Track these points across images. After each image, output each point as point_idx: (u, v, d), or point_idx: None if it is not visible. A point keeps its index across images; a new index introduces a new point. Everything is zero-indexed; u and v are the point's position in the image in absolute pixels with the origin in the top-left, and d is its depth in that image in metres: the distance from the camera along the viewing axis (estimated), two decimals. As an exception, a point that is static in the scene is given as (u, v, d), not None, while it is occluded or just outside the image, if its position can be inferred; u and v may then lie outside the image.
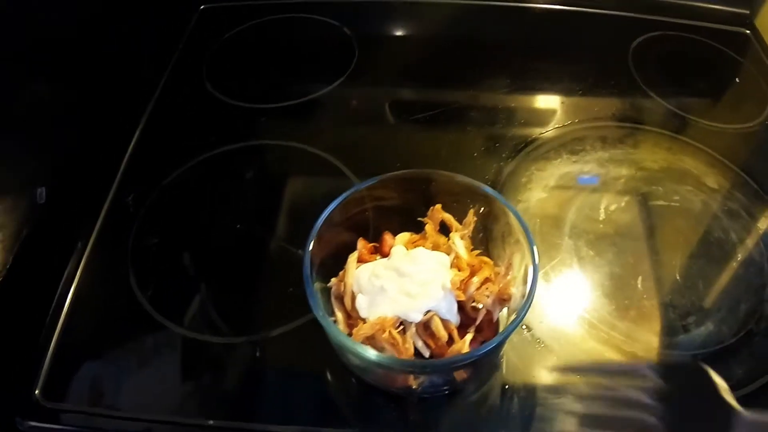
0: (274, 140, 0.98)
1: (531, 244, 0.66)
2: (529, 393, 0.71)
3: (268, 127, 1.00)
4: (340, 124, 1.01)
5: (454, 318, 0.67)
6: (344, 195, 0.70)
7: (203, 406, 0.70)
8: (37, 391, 0.71)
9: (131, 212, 0.88)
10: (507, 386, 0.71)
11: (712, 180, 0.92)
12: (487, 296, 0.68)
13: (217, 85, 1.07)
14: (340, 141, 0.96)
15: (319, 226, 0.68)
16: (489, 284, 0.69)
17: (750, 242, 0.85)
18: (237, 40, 1.17)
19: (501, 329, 0.69)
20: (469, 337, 0.66)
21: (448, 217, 0.74)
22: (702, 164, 0.93)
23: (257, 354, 0.74)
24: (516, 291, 0.68)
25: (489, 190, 0.72)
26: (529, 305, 0.62)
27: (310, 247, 0.66)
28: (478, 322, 0.68)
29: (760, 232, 0.86)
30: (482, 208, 0.73)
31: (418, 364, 0.64)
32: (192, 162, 0.94)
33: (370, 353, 0.59)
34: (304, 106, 1.03)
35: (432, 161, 0.94)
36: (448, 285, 0.66)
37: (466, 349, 0.64)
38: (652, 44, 1.14)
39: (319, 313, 0.61)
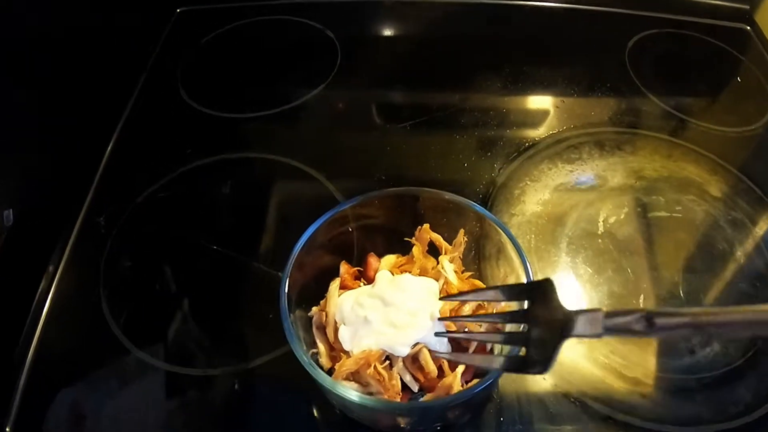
0: (253, 153, 0.93)
1: (526, 269, 0.61)
2: (526, 425, 0.66)
3: (246, 139, 0.96)
4: (324, 133, 0.96)
5: (444, 348, 0.62)
6: (325, 216, 0.66)
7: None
8: (8, 428, 0.67)
9: (103, 233, 0.83)
10: (502, 419, 0.67)
11: (714, 188, 0.87)
12: (480, 325, 0.63)
13: (192, 94, 1.02)
14: (324, 152, 0.92)
15: (297, 251, 0.63)
16: (482, 312, 0.64)
17: (755, 255, 0.81)
18: (214, 45, 1.12)
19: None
20: (460, 369, 0.61)
21: (437, 238, 0.70)
22: (704, 171, 0.89)
23: (235, 387, 0.69)
24: None
25: (479, 208, 0.67)
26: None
27: (288, 277, 0.61)
28: (470, 352, 0.63)
29: (766, 242, 0.82)
30: (476, 226, 0.68)
31: (405, 407, 0.59)
32: (166, 178, 0.89)
33: (353, 395, 0.55)
34: (285, 115, 0.98)
35: (420, 172, 0.89)
36: (437, 315, 0.62)
37: (457, 384, 0.60)
38: (650, 43, 1.10)
39: (298, 350, 0.57)
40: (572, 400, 0.68)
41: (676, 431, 0.66)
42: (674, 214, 0.84)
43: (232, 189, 0.89)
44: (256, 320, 0.74)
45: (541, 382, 0.69)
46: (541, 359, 0.51)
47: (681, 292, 0.77)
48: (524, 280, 0.61)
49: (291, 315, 0.59)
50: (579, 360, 0.71)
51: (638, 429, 0.66)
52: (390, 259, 0.71)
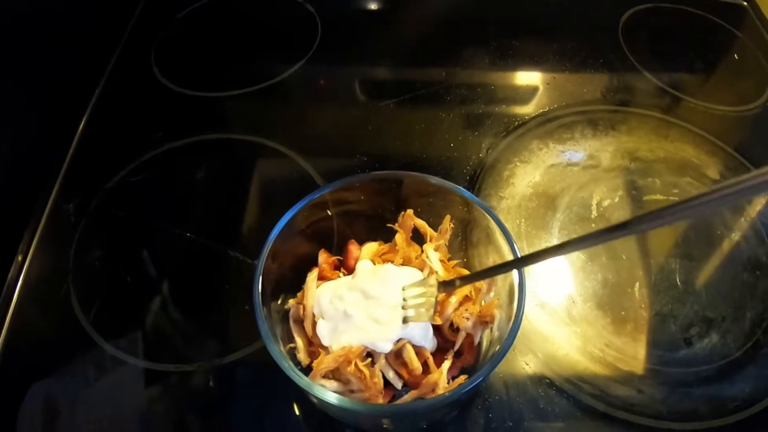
0: (229, 134, 0.88)
1: (515, 255, 0.57)
2: (516, 422, 0.63)
3: (223, 119, 0.91)
4: (303, 112, 0.92)
5: (429, 344, 0.59)
6: (302, 202, 0.61)
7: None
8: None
9: (72, 221, 0.79)
10: (491, 415, 0.63)
11: (713, 170, 0.84)
12: (467, 318, 0.60)
13: (166, 73, 0.97)
14: (303, 132, 0.88)
15: (272, 240, 0.59)
16: (468, 304, 0.61)
17: (756, 242, 0.78)
18: (189, 21, 1.06)
19: (483, 349, 0.62)
20: (446, 365, 0.58)
21: (421, 224, 0.66)
22: (702, 152, 0.85)
23: (210, 383, 0.66)
24: (500, 312, 0.60)
25: (466, 193, 0.63)
26: (517, 330, 0.54)
27: (262, 269, 0.57)
28: (457, 347, 0.60)
29: (767, 228, 0.79)
30: (463, 211, 0.64)
31: (387, 409, 0.56)
32: (138, 162, 0.85)
33: (331, 397, 0.51)
34: (262, 93, 0.94)
35: (404, 152, 0.85)
36: None
37: (443, 381, 0.56)
38: (644, 17, 1.06)
39: (274, 350, 0.53)
40: (565, 395, 0.64)
41: (673, 428, 0.63)
42: (671, 198, 0.81)
43: (207, 173, 0.85)
44: (232, 312, 0.71)
45: (531, 376, 0.66)
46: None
47: (678, 279, 0.74)
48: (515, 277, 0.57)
49: (265, 309, 0.55)
50: (572, 353, 0.67)
51: (635, 426, 0.63)
52: (371, 247, 0.67)
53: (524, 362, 0.66)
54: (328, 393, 0.51)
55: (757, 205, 0.81)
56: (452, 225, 0.64)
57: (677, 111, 0.91)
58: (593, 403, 0.64)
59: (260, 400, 0.65)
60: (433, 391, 0.56)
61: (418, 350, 0.58)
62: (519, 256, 0.56)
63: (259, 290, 0.56)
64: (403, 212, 0.65)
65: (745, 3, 1.09)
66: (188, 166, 0.85)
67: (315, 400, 0.59)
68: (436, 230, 0.65)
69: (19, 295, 0.73)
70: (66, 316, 0.71)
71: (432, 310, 0.56)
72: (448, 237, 0.65)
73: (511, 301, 0.57)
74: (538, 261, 0.52)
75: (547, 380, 0.65)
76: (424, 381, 0.57)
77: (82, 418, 0.64)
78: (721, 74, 1.00)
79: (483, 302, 0.61)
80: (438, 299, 0.57)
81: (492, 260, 0.62)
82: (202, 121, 0.90)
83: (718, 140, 0.87)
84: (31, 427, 0.64)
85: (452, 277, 0.61)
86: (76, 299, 0.72)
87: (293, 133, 0.87)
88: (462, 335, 0.60)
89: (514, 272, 0.56)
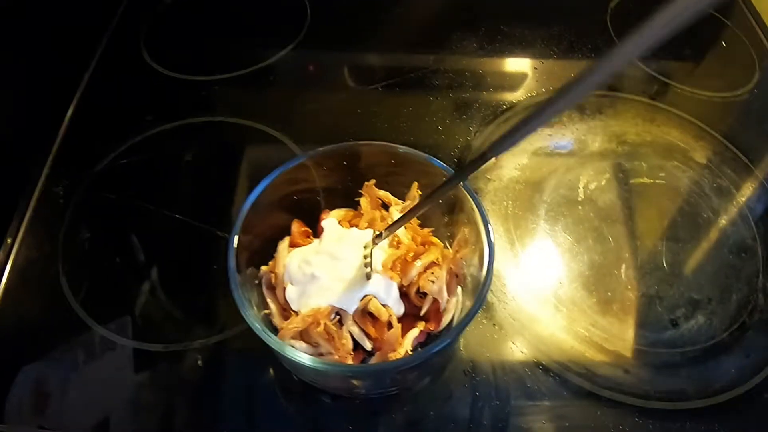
0: (218, 117, 0.88)
1: (484, 219, 0.57)
2: (503, 401, 0.63)
3: (212, 102, 0.90)
4: (292, 96, 0.91)
5: (395, 305, 0.59)
6: (275, 172, 0.62)
7: (143, 423, 0.63)
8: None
9: (61, 203, 0.79)
10: (477, 393, 0.63)
11: (699, 154, 0.84)
12: (433, 281, 0.59)
13: (155, 56, 0.96)
14: (292, 115, 0.87)
15: (246, 212, 0.59)
16: (435, 268, 0.60)
17: (741, 225, 0.78)
18: (178, 4, 1.05)
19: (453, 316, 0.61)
20: (413, 333, 0.59)
21: (384, 194, 0.66)
22: (689, 137, 0.85)
23: (199, 362, 0.66)
24: (471, 274, 0.60)
25: (433, 160, 0.62)
26: (485, 294, 0.54)
27: (236, 238, 0.57)
28: (423, 311, 0.60)
29: (753, 212, 0.79)
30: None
31: (357, 369, 0.56)
32: (127, 144, 0.84)
33: (302, 357, 0.51)
34: (251, 77, 0.93)
35: (392, 135, 0.85)
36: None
37: (407, 343, 0.57)
38: (632, 3, 1.05)
39: (247, 312, 0.53)
40: (552, 374, 0.64)
41: (660, 407, 0.63)
42: (657, 181, 0.81)
43: (196, 155, 0.84)
44: (221, 292, 0.70)
45: (518, 354, 0.66)
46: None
47: (664, 261, 0.74)
48: (484, 239, 0.56)
49: (240, 277, 0.56)
50: (558, 333, 0.67)
51: (621, 405, 0.63)
52: (339, 213, 0.67)
53: (511, 342, 0.66)
54: (299, 353, 0.51)
55: (746, 190, 0.81)
56: (419, 192, 0.64)
57: (665, 97, 0.91)
58: (580, 382, 0.64)
59: (247, 379, 0.65)
60: (393, 348, 0.57)
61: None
62: (488, 223, 0.56)
63: (234, 259, 0.55)
64: (366, 183, 0.65)
65: (734, -8, 1.09)
66: (178, 149, 0.84)
67: (288, 365, 0.60)
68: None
69: (8, 277, 0.72)
70: (55, 298, 0.70)
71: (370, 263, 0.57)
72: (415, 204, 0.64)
73: (480, 267, 0.56)
74: (475, 168, 0.48)
75: (534, 360, 0.66)
76: (384, 338, 0.57)
77: (72, 399, 0.64)
78: (709, 61, 1.00)
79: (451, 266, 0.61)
80: (383, 253, 0.59)
81: (463, 230, 0.62)
82: (191, 104, 0.89)
83: (705, 125, 0.87)
84: (20, 410, 0.63)
85: (419, 240, 0.62)
86: (66, 281, 0.71)
87: (282, 116, 0.86)
88: (429, 300, 0.60)
89: (484, 236, 0.56)
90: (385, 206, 0.66)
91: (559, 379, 0.64)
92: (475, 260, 0.58)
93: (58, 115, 0.88)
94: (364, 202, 0.65)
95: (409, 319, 0.60)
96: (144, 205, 0.78)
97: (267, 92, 0.92)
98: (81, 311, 0.69)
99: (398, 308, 0.59)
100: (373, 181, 0.64)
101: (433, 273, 0.60)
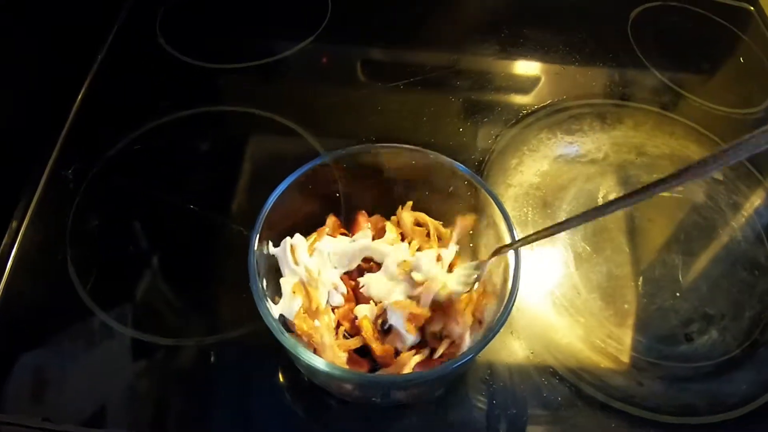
0: (234, 106, 0.87)
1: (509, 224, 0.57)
2: (519, 408, 0.63)
3: (228, 91, 0.90)
4: (311, 89, 0.90)
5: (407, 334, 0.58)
6: (299, 171, 0.60)
7: (149, 420, 0.62)
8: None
9: (71, 188, 0.78)
10: (494, 401, 0.64)
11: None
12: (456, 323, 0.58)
13: (171, 41, 0.95)
14: (311, 108, 0.86)
15: (267, 210, 0.58)
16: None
17: (755, 242, 0.78)
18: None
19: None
20: (416, 359, 0.57)
21: (423, 219, 0.65)
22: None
23: (206, 358, 0.65)
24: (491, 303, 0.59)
25: (468, 171, 0.61)
26: (504, 322, 0.53)
27: (256, 240, 0.56)
28: (438, 354, 0.58)
29: (767, 230, 0.79)
30: (470, 195, 0.62)
31: (368, 378, 0.56)
32: (140, 130, 0.83)
33: (318, 363, 0.50)
34: (269, 67, 0.92)
35: (412, 134, 0.84)
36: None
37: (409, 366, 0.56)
38: (653, 14, 1.06)
39: (272, 323, 0.52)
40: (567, 384, 0.65)
41: (671, 422, 0.64)
42: (675, 195, 0.81)
43: (211, 144, 0.84)
44: (231, 287, 0.69)
45: (536, 363, 0.66)
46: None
47: (680, 275, 0.74)
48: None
49: (260, 277, 0.55)
50: (575, 342, 0.67)
51: (633, 418, 0.63)
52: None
53: (530, 351, 0.67)
54: (315, 358, 0.50)
55: (760, 207, 0.81)
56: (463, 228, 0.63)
57: (683, 109, 0.91)
58: (593, 393, 0.64)
59: (243, 383, 0.64)
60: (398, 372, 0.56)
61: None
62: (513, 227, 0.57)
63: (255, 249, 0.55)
64: (401, 206, 0.65)
65: (752, 8, 1.09)
66: (192, 137, 0.84)
67: (302, 368, 0.59)
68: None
69: (13, 262, 0.71)
70: (62, 284, 0.69)
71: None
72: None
73: (502, 299, 0.55)
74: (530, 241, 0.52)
75: (551, 369, 0.66)
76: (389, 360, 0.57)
77: (74, 384, 0.63)
78: (726, 76, 1.00)
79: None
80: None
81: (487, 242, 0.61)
82: (206, 92, 0.89)
83: (722, 141, 0.87)
84: (18, 396, 0.62)
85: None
86: (73, 268, 0.70)
87: (300, 108, 0.85)
88: (445, 344, 0.59)
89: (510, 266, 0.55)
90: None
91: (574, 389, 0.64)
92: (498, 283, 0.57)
93: (70, 96, 0.87)
94: (390, 227, 0.65)
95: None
96: (156, 193, 0.77)
97: (287, 84, 0.91)
98: (88, 298, 0.68)
99: (413, 339, 0.58)
100: (410, 203, 0.65)
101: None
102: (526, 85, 0.94)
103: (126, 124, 0.83)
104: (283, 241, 0.59)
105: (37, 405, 0.62)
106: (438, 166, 0.62)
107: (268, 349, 0.59)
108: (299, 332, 0.55)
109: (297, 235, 0.60)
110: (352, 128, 0.84)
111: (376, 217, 0.67)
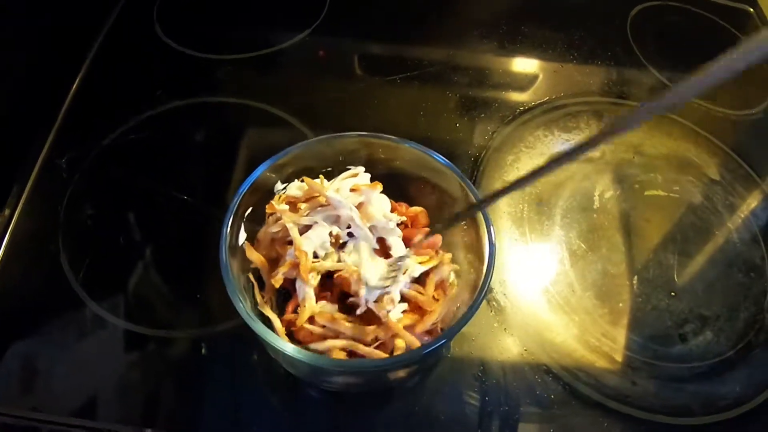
0: (230, 97, 0.86)
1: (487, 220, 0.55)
2: (512, 407, 0.63)
3: (224, 82, 0.89)
4: (308, 81, 0.90)
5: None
6: (277, 155, 0.62)
7: (139, 411, 0.61)
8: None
9: (64, 177, 0.77)
10: (487, 398, 0.63)
11: (713, 170, 0.84)
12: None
13: (168, 31, 0.94)
14: (307, 101, 0.86)
15: (241, 196, 0.57)
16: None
17: (751, 244, 0.78)
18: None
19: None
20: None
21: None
22: (704, 153, 0.85)
23: (202, 351, 0.64)
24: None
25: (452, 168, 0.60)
26: (482, 298, 0.52)
27: (229, 222, 0.55)
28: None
29: (763, 232, 0.79)
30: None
31: (347, 364, 0.53)
32: (135, 120, 0.82)
33: (289, 349, 0.49)
34: (266, 59, 0.92)
35: (409, 129, 0.84)
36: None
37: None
38: (652, 13, 1.05)
39: (237, 300, 0.51)
40: (561, 382, 0.64)
41: (665, 422, 0.63)
42: (671, 194, 0.81)
43: (206, 135, 0.83)
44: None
45: (529, 361, 0.65)
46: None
47: (675, 275, 0.74)
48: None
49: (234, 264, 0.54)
50: (569, 341, 0.67)
51: (627, 417, 0.63)
52: None
53: (523, 348, 0.66)
54: (287, 345, 0.50)
55: (756, 209, 0.81)
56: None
57: (682, 111, 0.91)
58: (588, 391, 0.64)
59: (234, 375, 0.63)
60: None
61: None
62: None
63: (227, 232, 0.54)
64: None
65: (751, 9, 1.09)
66: (187, 128, 0.83)
67: (275, 355, 0.59)
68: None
69: (4, 251, 0.71)
70: (55, 274, 0.69)
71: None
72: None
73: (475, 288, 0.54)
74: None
75: (545, 367, 0.65)
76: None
77: (64, 375, 0.63)
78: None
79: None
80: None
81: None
82: (202, 82, 0.88)
83: (720, 142, 0.87)
84: (8, 385, 0.62)
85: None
86: (66, 257, 0.70)
87: (296, 101, 0.85)
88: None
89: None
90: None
91: (568, 387, 0.64)
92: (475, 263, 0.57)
93: (65, 85, 0.86)
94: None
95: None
96: (150, 184, 0.77)
97: (284, 76, 0.91)
98: (80, 289, 0.68)
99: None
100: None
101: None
102: (523, 82, 0.93)
103: (121, 113, 0.83)
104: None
105: (27, 395, 0.61)
106: (413, 155, 0.61)
107: (259, 341, 0.58)
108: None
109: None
110: (348, 121, 0.84)
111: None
